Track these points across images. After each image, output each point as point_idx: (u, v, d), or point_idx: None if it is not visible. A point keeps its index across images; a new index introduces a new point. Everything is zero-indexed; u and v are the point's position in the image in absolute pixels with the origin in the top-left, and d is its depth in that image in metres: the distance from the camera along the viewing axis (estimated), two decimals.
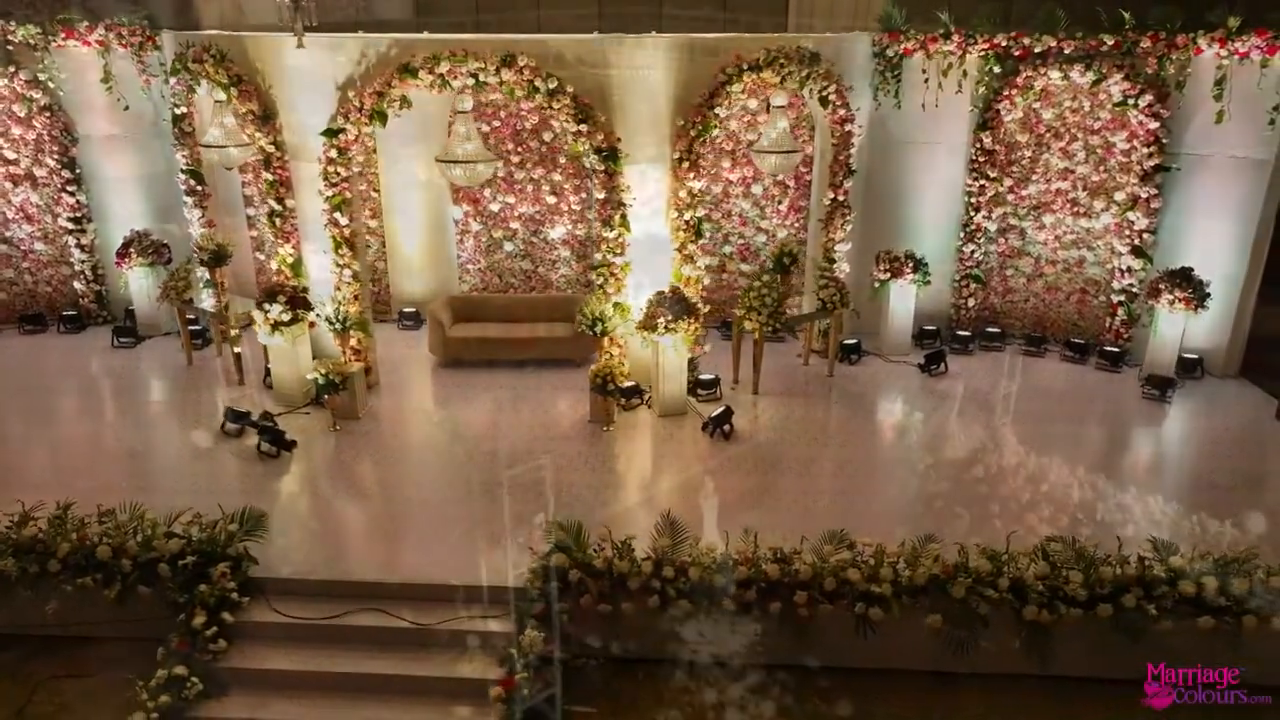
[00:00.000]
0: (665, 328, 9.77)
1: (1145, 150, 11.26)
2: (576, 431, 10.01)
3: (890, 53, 11.62)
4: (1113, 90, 11.22)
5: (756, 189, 12.83)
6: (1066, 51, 11.21)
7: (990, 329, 12.85)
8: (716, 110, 10.21)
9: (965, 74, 11.59)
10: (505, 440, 9.86)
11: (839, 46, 11.26)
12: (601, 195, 10.28)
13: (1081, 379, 11.75)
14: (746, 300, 10.70)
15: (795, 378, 11.67)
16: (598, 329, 10.33)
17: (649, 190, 10.37)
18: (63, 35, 11.95)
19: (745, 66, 10.12)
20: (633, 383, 10.56)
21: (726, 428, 9.82)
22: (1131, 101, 11.09)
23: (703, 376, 10.76)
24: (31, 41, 11.91)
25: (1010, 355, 12.54)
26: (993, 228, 12.48)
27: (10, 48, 11.94)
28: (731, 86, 10.16)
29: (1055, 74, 11.39)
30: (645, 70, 9.96)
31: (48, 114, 12.30)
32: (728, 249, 13.19)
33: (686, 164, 10.21)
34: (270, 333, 10.03)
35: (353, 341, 10.61)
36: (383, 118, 9.88)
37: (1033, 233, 12.54)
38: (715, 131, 10.72)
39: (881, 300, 12.23)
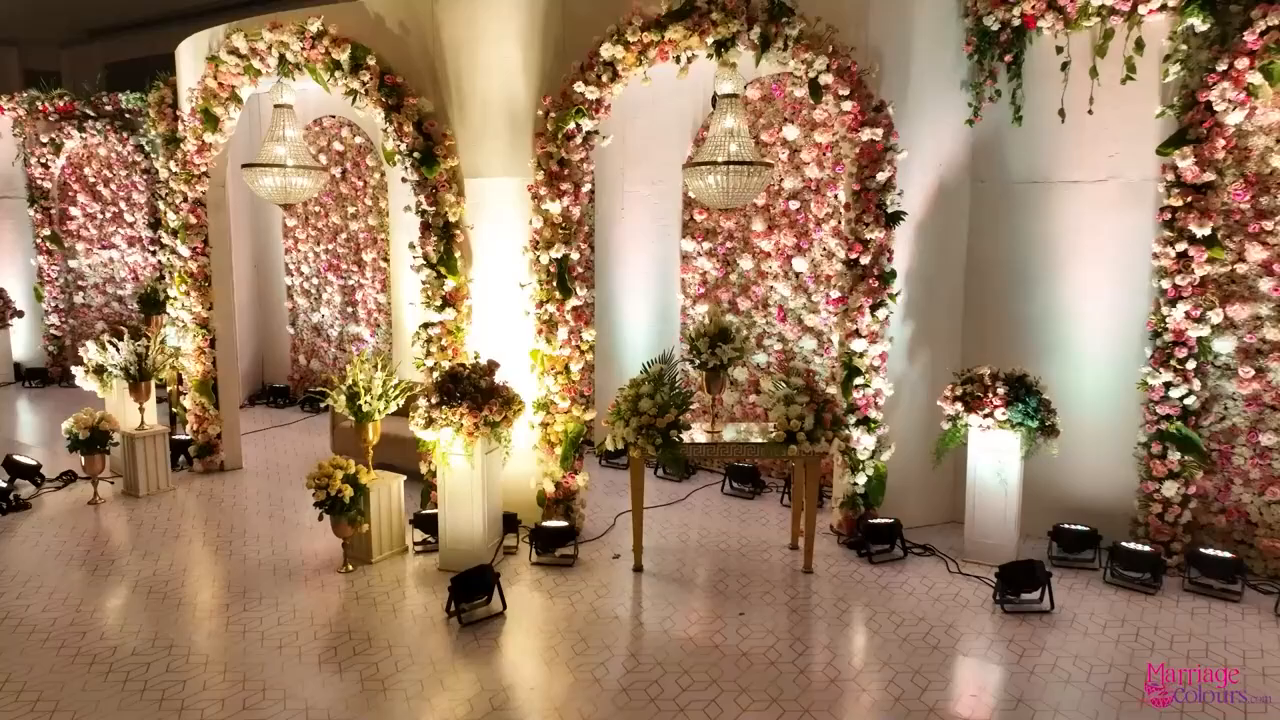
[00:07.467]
0: (429, 418, 6.02)
1: None
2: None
3: (994, 22, 6.48)
4: None
5: (801, 264, 7.91)
6: None
7: (1212, 551, 5.99)
8: (583, 90, 6.39)
9: (1141, 47, 6.12)
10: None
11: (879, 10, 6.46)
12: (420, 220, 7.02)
13: None
14: (618, 409, 6.16)
15: (724, 557, 6.57)
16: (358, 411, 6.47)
17: (504, 219, 6.92)
18: None
19: (639, 24, 6.23)
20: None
21: (464, 606, 5.52)
22: None
23: (551, 524, 6.51)
24: None
25: (1252, 614, 5.64)
26: (1223, 346, 6.13)
27: None
28: (614, 51, 6.27)
29: None
30: (498, 38, 6.70)
31: None
32: (761, 358, 8.33)
33: (543, 174, 6.55)
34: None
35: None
36: (213, 120, 7.97)
37: None
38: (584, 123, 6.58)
39: (947, 457, 6.75)
